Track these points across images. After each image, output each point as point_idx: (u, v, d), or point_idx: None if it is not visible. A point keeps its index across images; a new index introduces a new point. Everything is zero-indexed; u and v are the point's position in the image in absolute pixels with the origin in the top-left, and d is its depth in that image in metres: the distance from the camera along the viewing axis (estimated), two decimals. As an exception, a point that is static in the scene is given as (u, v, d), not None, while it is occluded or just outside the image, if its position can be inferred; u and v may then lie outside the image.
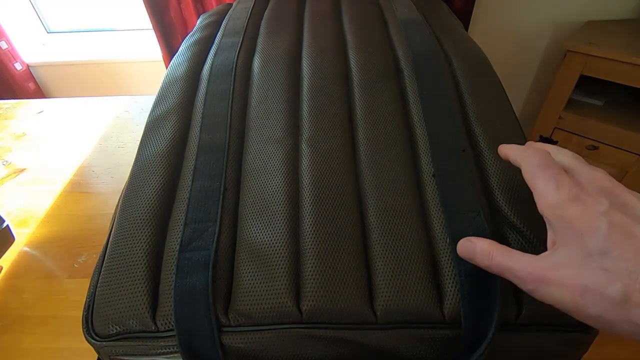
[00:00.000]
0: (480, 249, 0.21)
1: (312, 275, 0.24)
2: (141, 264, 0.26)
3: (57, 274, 0.44)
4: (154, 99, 0.39)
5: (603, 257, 0.17)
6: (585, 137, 1.00)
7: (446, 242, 0.25)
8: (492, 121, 0.33)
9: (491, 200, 0.28)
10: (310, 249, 0.25)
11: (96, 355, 0.26)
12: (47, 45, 1.46)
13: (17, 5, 1.35)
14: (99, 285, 0.26)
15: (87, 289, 0.27)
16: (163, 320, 0.24)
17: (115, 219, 0.29)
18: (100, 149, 0.61)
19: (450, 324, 0.23)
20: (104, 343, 0.24)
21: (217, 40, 0.45)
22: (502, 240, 0.26)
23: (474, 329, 0.22)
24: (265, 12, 0.50)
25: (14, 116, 0.69)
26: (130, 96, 0.72)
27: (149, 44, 1.35)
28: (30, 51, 1.40)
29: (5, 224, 0.44)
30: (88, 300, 0.26)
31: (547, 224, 0.21)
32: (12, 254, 0.46)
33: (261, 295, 0.24)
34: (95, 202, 0.53)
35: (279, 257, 0.25)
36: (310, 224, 0.26)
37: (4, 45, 1.29)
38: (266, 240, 0.26)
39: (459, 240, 0.23)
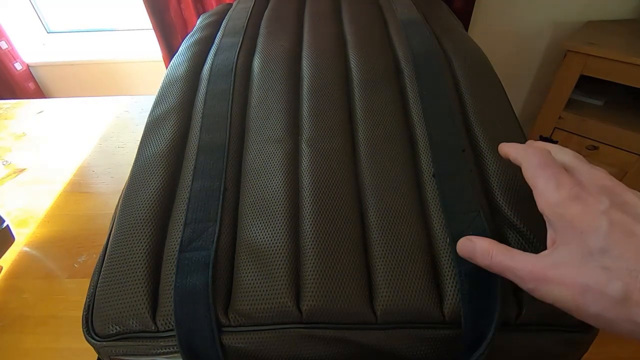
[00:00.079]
0: (480, 248, 0.21)
1: (312, 275, 0.24)
2: (141, 264, 0.25)
3: (57, 274, 0.44)
4: (154, 99, 0.39)
5: (603, 256, 0.17)
6: (585, 137, 1.00)
7: (446, 242, 0.25)
8: (492, 121, 0.33)
9: (491, 200, 0.28)
10: (310, 249, 0.25)
11: (96, 355, 0.26)
12: (47, 45, 1.46)
13: (17, 5, 1.35)
14: (99, 285, 0.26)
15: (87, 289, 0.27)
16: (163, 320, 0.24)
17: (115, 219, 0.29)
18: (100, 149, 0.61)
19: (450, 324, 0.23)
20: (104, 343, 0.24)
21: (217, 40, 0.45)
22: (502, 240, 0.26)
23: (474, 329, 0.22)
24: (265, 12, 0.50)
25: (14, 116, 0.69)
26: (130, 96, 0.72)
27: (149, 44, 1.35)
28: (30, 51, 1.40)
29: (5, 224, 0.44)
30: (88, 300, 0.26)
31: (547, 223, 0.21)
32: (12, 254, 0.46)
33: (261, 295, 0.24)
34: (95, 202, 0.53)
35: (279, 257, 0.25)
36: (310, 224, 0.26)
37: (4, 45, 1.29)
38: (266, 240, 0.26)
39: (458, 240, 0.23)
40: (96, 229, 0.49)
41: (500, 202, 0.27)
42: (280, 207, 0.27)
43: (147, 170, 0.31)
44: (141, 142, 0.35)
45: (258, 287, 0.24)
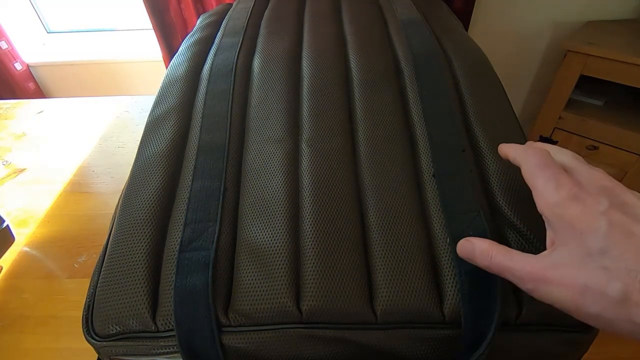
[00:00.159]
0: (479, 249, 0.21)
1: (312, 275, 0.24)
2: (141, 264, 0.26)
3: (57, 274, 0.44)
4: (154, 99, 0.39)
5: (603, 256, 0.17)
6: (585, 137, 1.00)
7: (446, 242, 0.25)
8: (492, 121, 0.33)
9: (491, 200, 0.28)
10: (310, 249, 0.25)
11: (96, 355, 0.26)
12: (47, 45, 1.46)
13: (17, 5, 1.35)
14: (99, 285, 0.26)
15: (87, 289, 0.27)
16: (163, 320, 0.24)
17: (115, 219, 0.29)
18: (100, 149, 0.61)
19: (450, 324, 0.23)
20: (104, 343, 0.24)
21: (217, 40, 0.45)
22: (502, 240, 0.26)
23: (474, 329, 0.22)
24: (265, 12, 0.50)
25: (14, 116, 0.69)
26: (130, 96, 0.72)
27: (149, 44, 1.35)
28: (30, 51, 1.40)
29: (5, 224, 0.44)
30: (88, 300, 0.26)
31: (546, 224, 0.21)
32: (12, 254, 0.46)
33: (261, 295, 0.24)
34: (95, 202, 0.53)
35: (279, 257, 0.25)
36: (310, 224, 0.26)
37: (4, 45, 1.29)
38: (266, 240, 0.26)
39: (459, 240, 0.23)
40: (96, 229, 0.49)
41: (500, 202, 0.27)
42: (280, 207, 0.27)
43: (147, 170, 0.31)
44: (141, 142, 0.35)
45: (258, 287, 0.24)
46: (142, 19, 1.22)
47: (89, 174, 0.57)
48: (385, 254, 0.25)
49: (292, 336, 0.23)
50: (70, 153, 0.60)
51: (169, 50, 1.19)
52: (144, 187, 0.30)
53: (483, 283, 0.23)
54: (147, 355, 0.24)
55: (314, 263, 0.24)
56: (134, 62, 1.38)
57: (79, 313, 0.26)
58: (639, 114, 0.96)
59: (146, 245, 0.26)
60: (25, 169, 0.58)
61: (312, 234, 0.26)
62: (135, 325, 0.24)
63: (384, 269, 0.25)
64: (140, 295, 0.24)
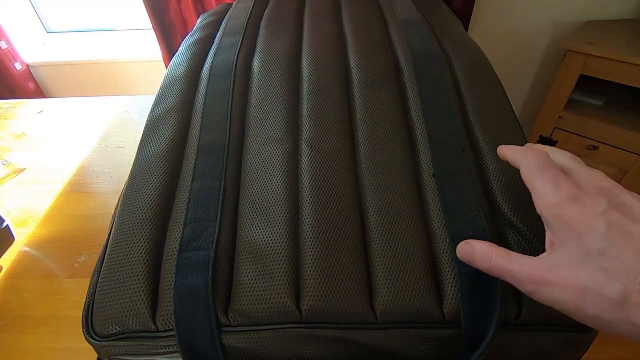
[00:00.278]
0: (479, 252, 0.21)
1: (312, 275, 0.24)
2: (141, 264, 0.26)
3: (57, 274, 0.44)
4: (154, 99, 0.39)
5: (601, 257, 0.17)
6: (585, 137, 1.00)
7: (446, 242, 0.25)
8: (492, 121, 0.33)
9: (491, 200, 0.28)
10: (310, 248, 0.25)
11: (96, 355, 0.26)
12: (47, 45, 1.45)
13: (17, 5, 1.35)
14: (99, 285, 0.26)
15: (87, 289, 0.27)
16: (163, 320, 0.24)
17: (115, 219, 0.29)
18: (100, 149, 0.61)
19: (450, 324, 0.23)
20: (104, 343, 0.24)
21: (217, 40, 0.45)
22: (502, 240, 0.26)
23: (474, 329, 0.22)
24: (265, 12, 0.50)
25: (14, 116, 0.69)
26: (130, 96, 0.72)
27: (149, 44, 1.35)
28: (30, 51, 1.40)
29: (5, 224, 0.44)
30: (88, 300, 0.26)
31: (545, 225, 0.21)
32: (12, 254, 0.46)
33: (261, 295, 0.24)
34: (95, 202, 0.53)
35: (279, 257, 0.25)
36: (310, 224, 0.26)
37: (4, 45, 1.29)
38: (266, 240, 0.26)
39: (459, 240, 0.23)
40: (96, 229, 0.49)
41: (500, 202, 0.27)
42: (280, 207, 0.27)
43: (147, 170, 0.31)
44: (141, 142, 0.35)
45: (258, 287, 0.24)
46: (142, 19, 1.22)
47: (89, 174, 0.57)
48: (385, 254, 0.25)
49: (292, 336, 0.23)
50: (70, 153, 0.60)
51: (169, 50, 1.19)
52: (144, 187, 0.30)
53: (483, 283, 0.23)
54: (147, 355, 0.24)
55: (314, 263, 0.24)
56: (134, 62, 1.38)
57: (79, 313, 0.26)
58: (639, 114, 0.96)
59: (146, 245, 0.26)
60: (25, 169, 0.58)
61: (312, 234, 0.26)
62: (135, 325, 0.24)
63: (384, 269, 0.25)
64: (140, 295, 0.24)
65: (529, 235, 0.25)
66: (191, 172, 0.31)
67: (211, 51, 0.43)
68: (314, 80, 0.37)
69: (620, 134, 0.94)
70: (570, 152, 0.22)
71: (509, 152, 0.24)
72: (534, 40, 1.13)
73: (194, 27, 0.51)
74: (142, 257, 0.26)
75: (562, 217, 0.19)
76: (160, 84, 0.40)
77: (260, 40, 0.44)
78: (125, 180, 0.32)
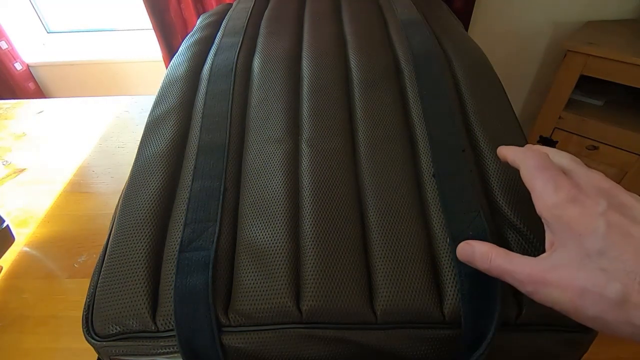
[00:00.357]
0: (479, 252, 0.21)
1: (312, 275, 0.24)
2: (141, 264, 0.26)
3: (57, 274, 0.44)
4: (154, 99, 0.39)
5: (601, 258, 0.17)
6: (585, 137, 1.00)
7: (446, 242, 0.25)
8: (492, 121, 0.33)
9: (491, 200, 0.28)
10: (310, 248, 0.25)
11: (96, 355, 0.26)
12: (47, 45, 1.45)
13: (17, 5, 1.35)
14: (99, 285, 0.26)
15: (87, 289, 0.27)
16: (163, 320, 0.24)
17: (115, 219, 0.29)
18: (100, 149, 0.61)
19: (450, 324, 0.23)
20: (104, 343, 0.24)
21: (217, 40, 0.45)
22: (502, 240, 0.26)
23: (474, 329, 0.22)
24: (265, 12, 0.50)
25: (14, 116, 0.69)
26: (130, 96, 0.72)
27: (149, 44, 1.35)
28: (30, 51, 1.40)
29: (5, 224, 0.44)
30: (88, 300, 0.26)
31: (545, 225, 0.21)
32: (12, 254, 0.46)
33: (261, 295, 0.24)
34: (95, 202, 0.53)
35: (279, 257, 0.25)
36: (310, 224, 0.26)
37: (4, 45, 1.29)
38: (266, 240, 0.26)
39: (459, 240, 0.23)
40: (96, 229, 0.49)
41: (501, 202, 0.27)
42: (280, 207, 0.27)
43: (147, 170, 0.31)
44: (141, 142, 0.35)
45: (258, 287, 0.24)
46: (142, 19, 1.22)
47: (89, 174, 0.57)
48: (385, 254, 0.25)
49: (292, 336, 0.23)
50: (70, 153, 0.60)
51: (169, 50, 1.19)
52: (144, 187, 0.30)
53: (483, 283, 0.23)
54: (147, 355, 0.24)
55: (314, 263, 0.24)
56: (134, 62, 1.38)
57: (79, 313, 0.26)
58: (639, 114, 0.96)
59: (146, 245, 0.26)
60: (25, 169, 0.58)
61: (312, 234, 0.26)
62: (135, 325, 0.24)
63: (384, 269, 0.25)
64: (140, 295, 0.24)
65: (529, 236, 0.25)
66: (191, 172, 0.31)
67: (211, 51, 0.43)
68: (314, 80, 0.37)
69: (620, 134, 0.94)
70: (570, 152, 0.23)
71: (508, 152, 0.24)
72: (533, 40, 1.13)
73: (194, 27, 0.51)
74: (142, 257, 0.26)
75: (561, 218, 0.19)
76: (160, 84, 0.40)
77: (260, 40, 0.44)
78: (125, 180, 0.32)
